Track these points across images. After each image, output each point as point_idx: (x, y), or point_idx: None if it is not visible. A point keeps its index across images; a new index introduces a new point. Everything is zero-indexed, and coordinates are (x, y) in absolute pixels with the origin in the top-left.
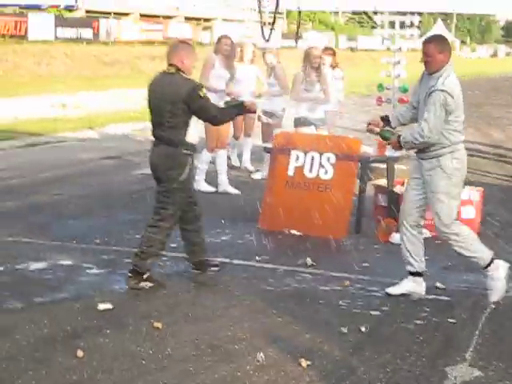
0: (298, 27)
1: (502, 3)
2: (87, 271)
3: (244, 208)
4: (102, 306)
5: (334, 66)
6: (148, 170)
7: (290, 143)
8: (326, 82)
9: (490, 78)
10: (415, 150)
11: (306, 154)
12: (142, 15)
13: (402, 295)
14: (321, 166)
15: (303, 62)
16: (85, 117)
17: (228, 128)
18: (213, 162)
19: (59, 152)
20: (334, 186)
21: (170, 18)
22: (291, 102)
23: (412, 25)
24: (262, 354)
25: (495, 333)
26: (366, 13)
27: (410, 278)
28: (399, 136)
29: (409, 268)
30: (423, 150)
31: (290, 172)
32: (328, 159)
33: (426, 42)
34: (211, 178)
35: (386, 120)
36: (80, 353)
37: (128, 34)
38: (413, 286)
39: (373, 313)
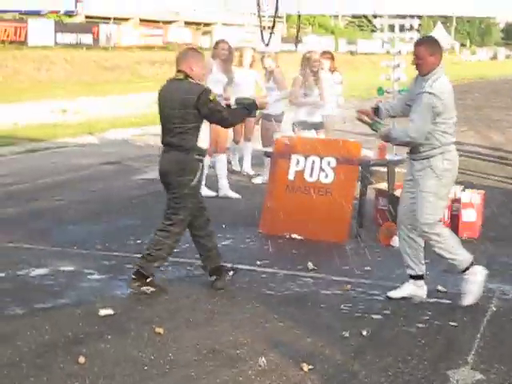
0: (298, 31)
1: (502, 6)
2: (88, 277)
3: (245, 212)
4: (103, 312)
5: (332, 70)
6: (148, 175)
7: (291, 147)
8: (322, 86)
9: (489, 80)
10: (407, 150)
11: (306, 158)
12: (141, 20)
13: (403, 299)
14: (321, 169)
15: (302, 66)
16: (85, 122)
17: (226, 132)
18: (213, 167)
19: (59, 158)
20: (334, 189)
21: (169, 22)
22: (290, 106)
23: (412, 28)
24: (263, 358)
25: (497, 336)
26: (365, 16)
27: (411, 281)
28: (389, 130)
29: (409, 271)
30: (414, 151)
31: (291, 176)
32: (328, 163)
33: (417, 45)
34: (211, 183)
35: (375, 110)
36: (81, 359)
37: (128, 39)
38: (414, 290)
39: (374, 316)
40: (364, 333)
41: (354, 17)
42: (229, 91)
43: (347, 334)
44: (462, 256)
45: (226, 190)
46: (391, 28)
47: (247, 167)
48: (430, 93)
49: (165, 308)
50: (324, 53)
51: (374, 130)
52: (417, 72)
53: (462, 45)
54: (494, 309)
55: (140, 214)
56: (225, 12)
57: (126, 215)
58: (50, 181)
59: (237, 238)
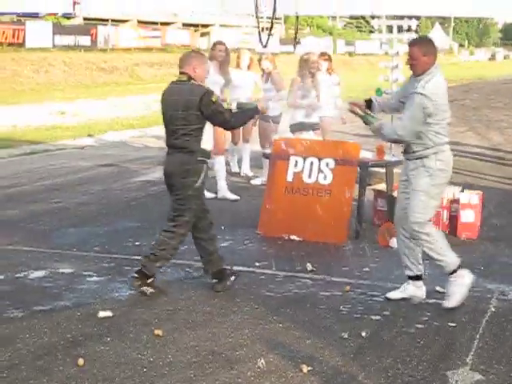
0: (296, 32)
1: (500, 6)
2: (87, 279)
3: (243, 214)
4: (102, 314)
5: (330, 72)
6: (146, 177)
7: (289, 149)
8: (318, 88)
9: (488, 81)
10: (402, 150)
11: (304, 160)
12: (139, 22)
13: (403, 299)
14: (320, 171)
15: (300, 67)
16: (83, 124)
17: (224, 134)
18: (211, 168)
19: (58, 160)
20: (333, 191)
21: (167, 24)
22: (288, 108)
23: (410, 29)
24: (262, 360)
25: (496, 336)
26: (363, 17)
27: (410, 282)
28: (380, 125)
29: (407, 272)
30: (408, 150)
31: (289, 177)
32: (327, 164)
33: (411, 45)
34: (210, 184)
35: (368, 103)
36: (81, 361)
37: (126, 41)
38: (413, 290)
39: (373, 317)
40: (363, 334)
41: (351, 18)
42: (226, 93)
43: (346, 335)
44: (450, 258)
45: (224, 191)
46: (389, 29)
47: (246, 169)
48: (421, 94)
49: (164, 310)
50: (322, 54)
51: (365, 122)
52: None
53: (461, 45)
54: (493, 309)
55: (139, 216)
56: (223, 13)
57: (124, 217)
58: (48, 183)
59: (236, 240)
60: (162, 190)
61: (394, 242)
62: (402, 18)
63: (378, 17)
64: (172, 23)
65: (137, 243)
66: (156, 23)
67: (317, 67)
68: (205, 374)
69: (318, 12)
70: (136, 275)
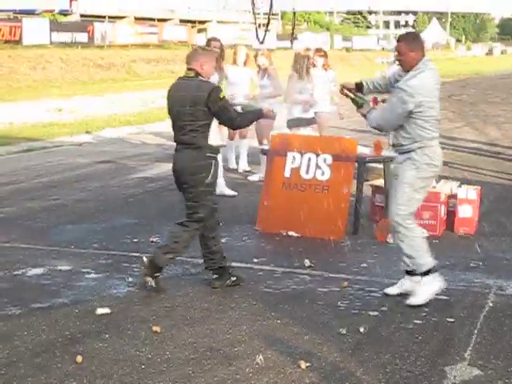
0: (293, 28)
1: (497, 1)
2: (85, 276)
3: (241, 210)
4: (100, 311)
5: (325, 68)
6: (144, 174)
7: (287, 145)
8: (313, 83)
9: (485, 76)
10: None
11: (302, 156)
12: (136, 18)
13: (400, 295)
14: (317, 167)
15: (296, 63)
16: (80, 121)
17: (221, 130)
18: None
19: (55, 157)
20: (330, 186)
21: (164, 20)
22: (286, 104)
23: (407, 24)
24: (261, 356)
25: (494, 331)
26: (360, 13)
27: (407, 277)
28: (368, 110)
29: (404, 267)
30: (398, 144)
31: (287, 173)
32: (324, 160)
33: (398, 41)
34: None
35: (359, 86)
36: (79, 358)
37: (123, 38)
38: (410, 286)
39: (371, 313)
40: (361, 330)
41: (349, 13)
42: None
43: (344, 331)
44: (424, 260)
45: (222, 187)
46: (386, 24)
47: (244, 164)
48: (402, 89)
49: (162, 306)
50: (317, 50)
51: (355, 104)
52: None
53: (458, 40)
54: (491, 304)
55: (136, 213)
56: (220, 10)
57: (122, 214)
58: (46, 180)
59: (233, 236)
60: (160, 186)
61: (391, 238)
62: (399, 13)
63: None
64: (169, 19)
65: (135, 240)
66: (153, 19)
67: (312, 63)
68: (203, 370)
69: (315, 7)
70: (147, 262)
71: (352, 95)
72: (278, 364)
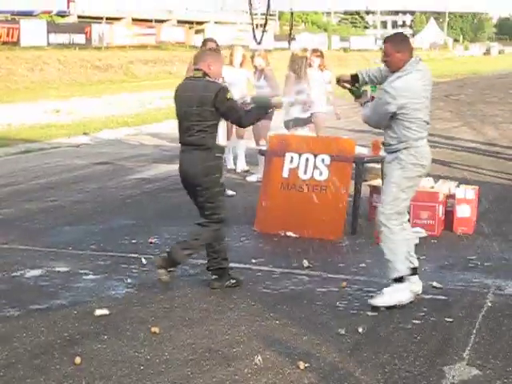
0: (291, 29)
1: (495, 1)
2: (83, 277)
3: (239, 211)
4: (98, 312)
5: (322, 68)
6: (141, 175)
7: (285, 145)
8: (309, 84)
9: (483, 76)
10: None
11: (300, 156)
12: (134, 19)
13: None
14: (315, 167)
15: (294, 63)
16: (78, 122)
17: None
18: None
19: (53, 158)
20: (328, 187)
21: (162, 21)
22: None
23: (404, 24)
24: (259, 356)
25: (492, 331)
26: (358, 13)
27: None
28: (365, 103)
29: None
30: (386, 144)
31: (285, 174)
32: (322, 160)
33: (385, 42)
34: None
35: (355, 78)
36: (78, 359)
37: (120, 39)
38: (408, 285)
39: (370, 313)
40: (360, 330)
41: (346, 13)
42: None
43: (343, 332)
44: (400, 266)
45: None
46: (384, 24)
47: (241, 164)
48: (386, 91)
49: (160, 307)
50: (314, 51)
51: (353, 95)
52: None
53: (455, 40)
54: (490, 304)
55: (134, 214)
56: (217, 10)
57: (120, 215)
58: (43, 181)
59: (232, 237)
60: (158, 187)
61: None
62: (396, 13)
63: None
64: (166, 20)
65: (133, 241)
66: (150, 21)
67: (308, 63)
68: (202, 371)
69: (312, 8)
70: (163, 256)
71: (349, 86)
72: (277, 364)
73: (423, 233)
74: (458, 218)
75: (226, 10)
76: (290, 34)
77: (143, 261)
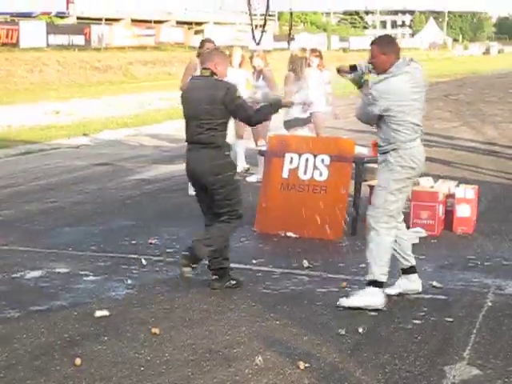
0: (291, 29)
1: (494, 0)
2: (83, 278)
3: None
4: (99, 313)
5: (320, 68)
6: (141, 176)
7: (284, 146)
8: (307, 83)
9: (482, 75)
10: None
11: (300, 156)
12: (133, 20)
13: (399, 295)
14: (315, 167)
15: (294, 64)
16: (78, 124)
17: None
18: None
19: (53, 159)
20: (328, 187)
21: (161, 22)
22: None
23: (404, 24)
24: (260, 357)
25: (493, 331)
26: (357, 13)
27: (403, 276)
28: (364, 93)
29: (400, 266)
30: (378, 145)
31: (285, 174)
32: (322, 161)
33: (371, 43)
34: None
35: (353, 68)
36: (78, 360)
37: (120, 40)
38: (407, 284)
39: (370, 313)
40: (360, 330)
41: (345, 14)
42: None
43: (343, 332)
44: (376, 270)
45: None
46: (383, 25)
47: (241, 164)
48: (369, 92)
49: (160, 308)
50: (312, 51)
51: (355, 84)
52: None
53: (455, 40)
54: (490, 304)
55: (134, 215)
56: (216, 11)
57: (120, 216)
58: (43, 183)
59: (232, 237)
60: (157, 188)
61: None
62: (396, 13)
63: (372, 12)
64: (166, 21)
65: (133, 242)
66: (150, 21)
67: (308, 63)
68: (202, 372)
69: (312, 8)
70: (185, 254)
71: (350, 76)
72: (277, 365)
73: (423, 232)
74: (458, 218)
75: (225, 10)
76: (290, 34)
77: (143, 262)
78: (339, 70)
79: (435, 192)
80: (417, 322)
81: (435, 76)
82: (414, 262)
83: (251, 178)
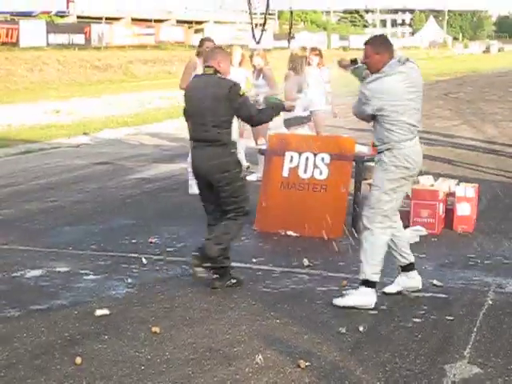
0: (291, 27)
1: None
2: (84, 277)
3: None
4: (99, 312)
5: (320, 67)
6: (141, 175)
7: (285, 144)
8: (308, 82)
9: (482, 74)
10: None
11: (300, 155)
12: (133, 19)
13: (399, 294)
14: (315, 166)
15: (294, 63)
16: (78, 123)
17: None
18: None
19: (53, 158)
20: (328, 186)
21: (161, 21)
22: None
23: (404, 23)
24: (260, 356)
25: (493, 329)
26: (357, 12)
27: (402, 273)
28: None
29: (398, 263)
30: (374, 144)
31: (285, 173)
32: (322, 159)
33: (365, 43)
34: None
35: (354, 62)
36: (78, 359)
37: (120, 39)
38: (406, 282)
39: (371, 312)
40: (361, 329)
41: (345, 12)
42: None
43: (344, 330)
44: (367, 269)
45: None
46: (383, 23)
47: (242, 161)
48: (361, 91)
49: (161, 307)
50: (312, 49)
51: (356, 76)
52: None
53: (455, 38)
54: (490, 302)
55: (134, 214)
56: (216, 10)
57: (120, 215)
58: (43, 182)
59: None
60: (158, 187)
61: None
62: (396, 11)
63: (372, 11)
64: (166, 20)
65: (133, 241)
66: (150, 20)
67: (308, 62)
68: (203, 370)
69: (311, 7)
70: (196, 253)
71: (351, 68)
72: (278, 364)
73: (423, 231)
74: (458, 216)
75: (225, 9)
76: (290, 33)
77: (143, 260)
78: (340, 63)
79: (435, 190)
80: (417, 320)
81: (435, 74)
82: (412, 259)
83: (251, 177)
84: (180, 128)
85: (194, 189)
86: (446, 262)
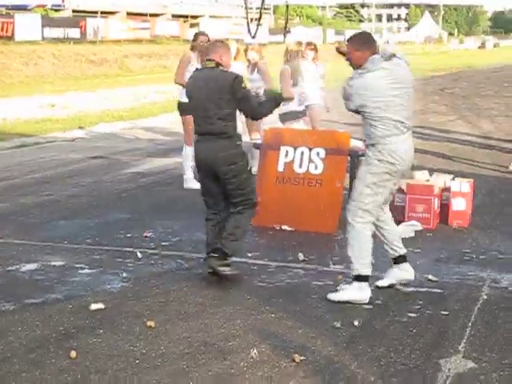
0: (286, 22)
1: None
2: (79, 271)
3: None
4: (94, 306)
5: (315, 61)
6: (137, 169)
7: (280, 139)
8: (303, 76)
9: (477, 69)
10: None
11: (295, 150)
12: (128, 13)
13: (394, 288)
14: (310, 160)
15: (291, 56)
16: (73, 117)
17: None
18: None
19: (48, 152)
20: (324, 180)
21: (157, 15)
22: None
23: (399, 17)
24: (255, 350)
25: (488, 324)
26: (353, 6)
27: (394, 266)
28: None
29: (390, 256)
30: (363, 139)
31: (280, 168)
32: (318, 154)
33: (347, 40)
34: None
35: None
36: (73, 353)
37: (115, 33)
38: (399, 274)
39: (365, 307)
40: (356, 323)
41: (341, 7)
42: None
43: (339, 325)
44: (358, 265)
45: (190, 181)
46: (379, 18)
47: None
48: (344, 88)
49: (156, 301)
50: (308, 44)
51: (352, 66)
52: None
53: (450, 34)
54: (485, 297)
55: (129, 208)
56: (212, 4)
57: (115, 209)
58: (39, 176)
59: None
60: (152, 181)
61: None
62: (391, 6)
63: (368, 6)
64: (161, 14)
65: (128, 235)
66: (145, 15)
67: (302, 56)
68: (197, 365)
69: (307, 1)
70: (215, 254)
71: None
72: (273, 358)
73: (418, 226)
74: (454, 211)
75: (221, 3)
76: (286, 27)
77: (138, 255)
78: (338, 49)
79: (431, 185)
80: (412, 315)
81: (431, 70)
82: (403, 252)
83: None
84: (175, 122)
85: (188, 183)
86: (441, 256)
